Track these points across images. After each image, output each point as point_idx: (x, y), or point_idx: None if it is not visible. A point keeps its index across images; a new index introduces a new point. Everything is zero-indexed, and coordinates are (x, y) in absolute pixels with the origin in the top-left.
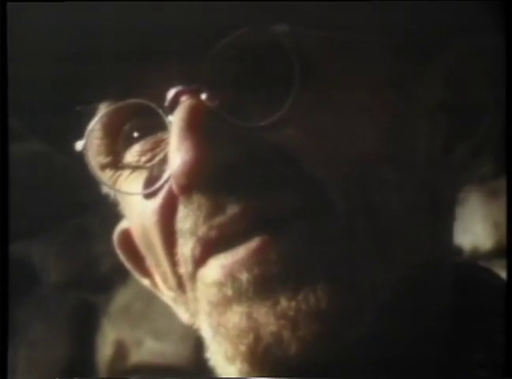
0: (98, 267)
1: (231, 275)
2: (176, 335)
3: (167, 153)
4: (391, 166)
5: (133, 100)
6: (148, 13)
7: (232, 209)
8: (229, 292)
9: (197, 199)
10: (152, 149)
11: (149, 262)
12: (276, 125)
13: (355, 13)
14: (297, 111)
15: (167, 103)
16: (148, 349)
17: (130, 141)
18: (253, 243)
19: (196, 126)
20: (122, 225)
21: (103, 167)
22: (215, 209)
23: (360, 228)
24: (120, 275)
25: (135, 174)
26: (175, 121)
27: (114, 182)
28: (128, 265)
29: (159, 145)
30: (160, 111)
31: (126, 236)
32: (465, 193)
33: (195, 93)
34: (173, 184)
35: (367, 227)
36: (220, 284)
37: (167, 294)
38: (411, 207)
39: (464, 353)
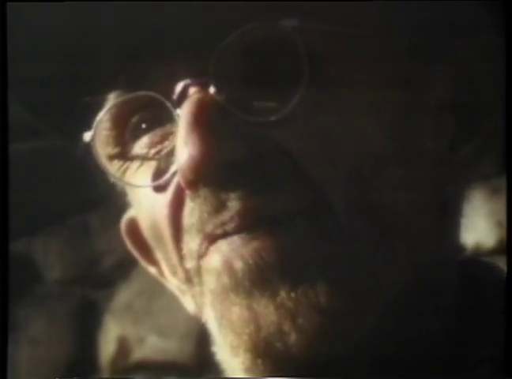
0: (100, 264)
1: (227, 265)
2: (179, 332)
3: (174, 147)
4: (397, 165)
5: (142, 92)
6: (158, 7)
7: (235, 206)
8: (227, 281)
9: (203, 194)
10: (160, 141)
11: (158, 254)
12: (282, 122)
13: (363, 10)
14: (303, 109)
15: (175, 96)
16: (151, 346)
17: (139, 133)
18: (254, 241)
19: (203, 120)
20: (130, 213)
21: (112, 158)
22: (219, 205)
23: (362, 228)
24: (122, 272)
25: (144, 166)
26: (183, 114)
27: (123, 174)
28: (134, 253)
29: (167, 138)
30: (169, 104)
31: (133, 225)
32: (469, 190)
33: (203, 87)
34: (180, 178)
35: (370, 226)
36: (219, 272)
37: (173, 282)
38: (417, 206)
39: (467, 351)
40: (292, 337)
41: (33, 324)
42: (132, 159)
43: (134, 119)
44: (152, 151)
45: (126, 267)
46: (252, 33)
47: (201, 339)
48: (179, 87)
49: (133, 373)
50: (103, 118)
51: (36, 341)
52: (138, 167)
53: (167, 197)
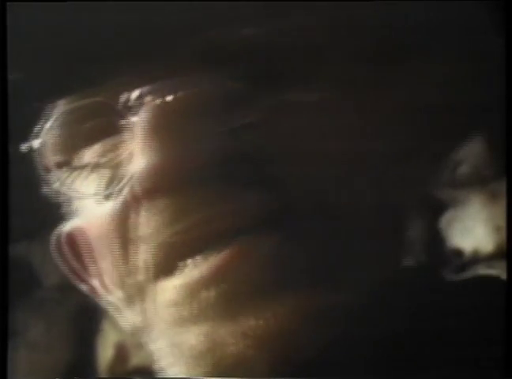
0: None
1: (190, 295)
2: None
3: (128, 155)
4: (362, 165)
5: (93, 99)
6: (119, 13)
7: (195, 215)
8: (186, 312)
9: (161, 203)
10: (112, 150)
11: (103, 265)
12: (241, 129)
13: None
14: (265, 114)
15: (129, 103)
16: (150, 352)
17: (90, 141)
18: (215, 258)
19: (161, 127)
20: (68, 226)
21: (60, 166)
22: (178, 214)
23: (324, 230)
24: None
25: (94, 175)
26: (140, 122)
27: (71, 183)
28: (66, 269)
29: (119, 147)
30: (122, 112)
31: (75, 236)
32: (466, 195)
33: (160, 94)
34: (136, 187)
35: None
36: (178, 304)
37: (116, 296)
38: (386, 207)
39: (467, 351)
40: (256, 363)
41: (31, 329)
42: (81, 167)
43: (86, 126)
44: (103, 159)
45: None
46: (214, 39)
47: None
48: (135, 94)
49: None
50: (53, 124)
51: (34, 346)
52: (87, 176)
53: (115, 206)
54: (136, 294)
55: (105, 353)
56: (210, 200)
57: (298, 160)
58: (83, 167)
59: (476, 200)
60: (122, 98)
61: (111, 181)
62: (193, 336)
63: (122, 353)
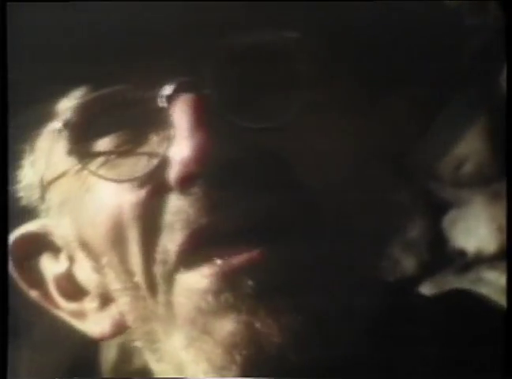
0: None
1: (231, 283)
2: None
3: (161, 142)
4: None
5: (121, 86)
6: (155, 5)
7: (228, 209)
8: (228, 300)
9: (197, 192)
10: (135, 139)
11: (104, 260)
12: (275, 130)
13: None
14: (297, 116)
15: (166, 93)
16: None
17: (112, 129)
18: (248, 250)
19: (202, 118)
20: (25, 229)
21: (79, 153)
22: (212, 205)
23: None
24: None
25: (111, 163)
26: (178, 112)
27: (82, 169)
28: (18, 274)
29: (145, 135)
30: (157, 101)
31: (28, 241)
32: (469, 195)
33: (196, 88)
34: (175, 173)
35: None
36: (218, 292)
37: (65, 307)
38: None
39: (467, 351)
40: (292, 359)
41: (34, 329)
42: (103, 154)
43: (107, 114)
44: (123, 148)
45: None
46: (252, 38)
47: None
48: (171, 85)
49: None
50: (74, 109)
51: (37, 346)
52: (104, 164)
53: (140, 195)
54: (160, 284)
55: (108, 354)
56: (244, 195)
57: (328, 166)
58: (111, 153)
59: (479, 200)
60: (157, 86)
61: (136, 170)
62: (227, 325)
63: (125, 354)
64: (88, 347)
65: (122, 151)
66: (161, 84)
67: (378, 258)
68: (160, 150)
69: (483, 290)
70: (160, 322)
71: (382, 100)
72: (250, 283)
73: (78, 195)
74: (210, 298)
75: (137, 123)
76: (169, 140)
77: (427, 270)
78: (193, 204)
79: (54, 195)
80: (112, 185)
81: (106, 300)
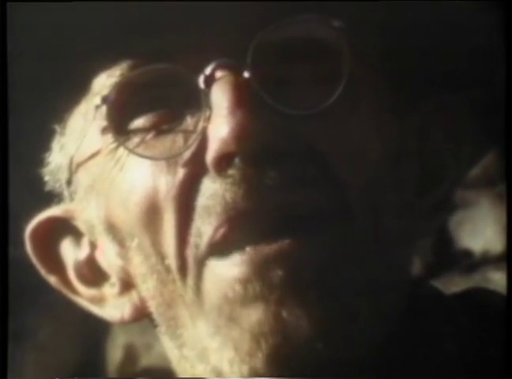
0: None
1: (260, 272)
2: None
3: (199, 123)
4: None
5: (164, 65)
6: None
7: (265, 196)
8: (256, 289)
9: (233, 174)
10: (171, 119)
11: (133, 243)
12: (313, 120)
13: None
14: (335, 107)
15: (206, 73)
16: (158, 353)
17: (149, 107)
18: (280, 241)
19: (244, 99)
20: (47, 213)
21: (107, 131)
22: (249, 191)
23: (376, 230)
24: None
25: (148, 143)
26: (218, 92)
27: (117, 148)
28: (38, 258)
29: (184, 115)
30: (197, 80)
31: (50, 226)
32: (475, 196)
33: (237, 70)
34: (213, 151)
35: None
36: (246, 281)
37: (84, 292)
38: None
39: (467, 351)
40: (320, 351)
41: (40, 331)
42: (140, 132)
43: (147, 93)
44: (162, 127)
45: None
46: (296, 26)
47: None
48: (211, 66)
49: None
50: (115, 86)
51: (43, 348)
52: (140, 143)
53: (178, 176)
54: (191, 267)
55: (114, 354)
56: (281, 185)
57: (359, 160)
58: (148, 132)
59: (485, 201)
60: (197, 67)
61: (175, 150)
62: (254, 314)
63: (131, 354)
64: (95, 347)
65: (159, 131)
66: (201, 65)
67: (405, 258)
68: (198, 130)
69: None
70: (187, 307)
71: (415, 103)
72: (279, 273)
73: (110, 176)
74: (238, 287)
75: (176, 103)
76: (207, 120)
77: (433, 271)
78: (229, 187)
79: (82, 177)
80: (147, 166)
81: (127, 285)
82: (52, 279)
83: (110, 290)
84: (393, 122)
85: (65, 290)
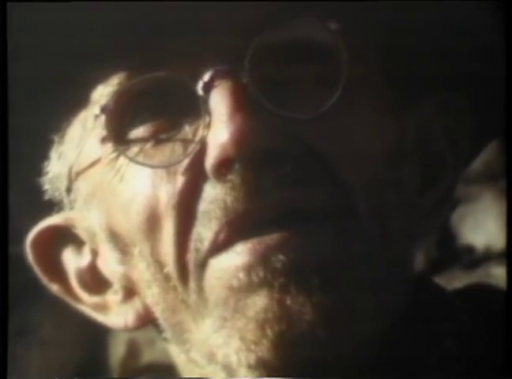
0: None
1: (263, 258)
2: None
3: (198, 130)
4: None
5: (162, 73)
6: None
7: (265, 197)
8: (259, 275)
9: (233, 179)
10: (170, 127)
11: (135, 250)
12: (313, 121)
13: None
14: (334, 109)
15: (205, 80)
16: (161, 349)
17: (146, 117)
18: (282, 232)
19: (242, 104)
20: (48, 222)
21: (107, 140)
22: (249, 193)
23: (379, 228)
24: None
25: (147, 151)
26: (216, 98)
27: (118, 157)
28: (39, 267)
29: (181, 124)
30: (196, 87)
31: (51, 234)
32: (477, 191)
33: (234, 76)
34: (213, 157)
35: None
36: (249, 268)
37: (87, 300)
38: None
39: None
40: (322, 338)
41: (43, 327)
42: (140, 141)
43: (147, 100)
44: (161, 135)
45: None
46: (293, 29)
47: None
48: (209, 72)
49: (142, 376)
50: (112, 96)
51: (47, 343)
52: (139, 152)
53: (177, 185)
54: (192, 271)
55: (117, 350)
56: (279, 186)
57: (360, 160)
58: (147, 141)
59: (487, 196)
60: (195, 74)
61: (174, 158)
62: (259, 302)
63: (133, 350)
64: (97, 343)
65: (159, 139)
66: (199, 72)
67: (408, 254)
68: (197, 137)
69: None
70: (190, 311)
71: (413, 103)
72: (282, 258)
73: (110, 185)
74: (242, 275)
75: (175, 110)
76: (206, 127)
77: (436, 267)
78: (229, 192)
79: (82, 186)
80: (147, 175)
81: (130, 292)
82: (54, 288)
83: (113, 297)
84: (393, 121)
85: (68, 299)
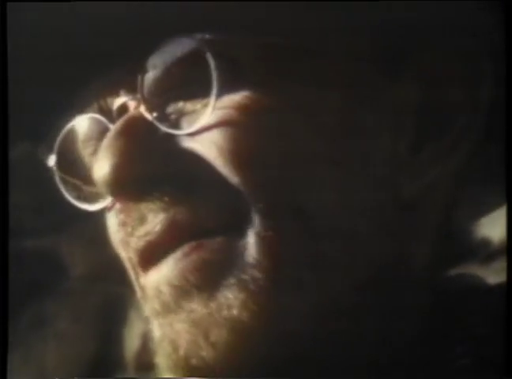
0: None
1: (156, 289)
2: None
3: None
4: (329, 166)
5: (84, 116)
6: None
7: (157, 220)
8: (156, 306)
9: (128, 207)
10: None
11: None
12: (200, 133)
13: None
14: (219, 116)
15: (114, 113)
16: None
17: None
18: (178, 254)
19: (126, 135)
20: None
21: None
22: (141, 219)
23: (290, 230)
24: None
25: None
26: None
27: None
28: None
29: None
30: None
31: None
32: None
33: (138, 103)
34: (105, 192)
35: (299, 229)
36: (151, 298)
37: None
38: (360, 207)
39: (464, 352)
40: (208, 353)
41: (59, 320)
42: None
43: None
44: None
45: None
46: (171, 47)
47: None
48: (117, 103)
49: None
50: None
51: (62, 336)
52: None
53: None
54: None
55: (131, 343)
56: (169, 206)
57: (257, 163)
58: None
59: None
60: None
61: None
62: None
63: (148, 343)
64: (112, 336)
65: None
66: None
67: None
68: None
69: None
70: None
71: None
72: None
73: None
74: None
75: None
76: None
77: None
78: (126, 219)
79: None
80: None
81: None
82: None
83: None
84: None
85: None
